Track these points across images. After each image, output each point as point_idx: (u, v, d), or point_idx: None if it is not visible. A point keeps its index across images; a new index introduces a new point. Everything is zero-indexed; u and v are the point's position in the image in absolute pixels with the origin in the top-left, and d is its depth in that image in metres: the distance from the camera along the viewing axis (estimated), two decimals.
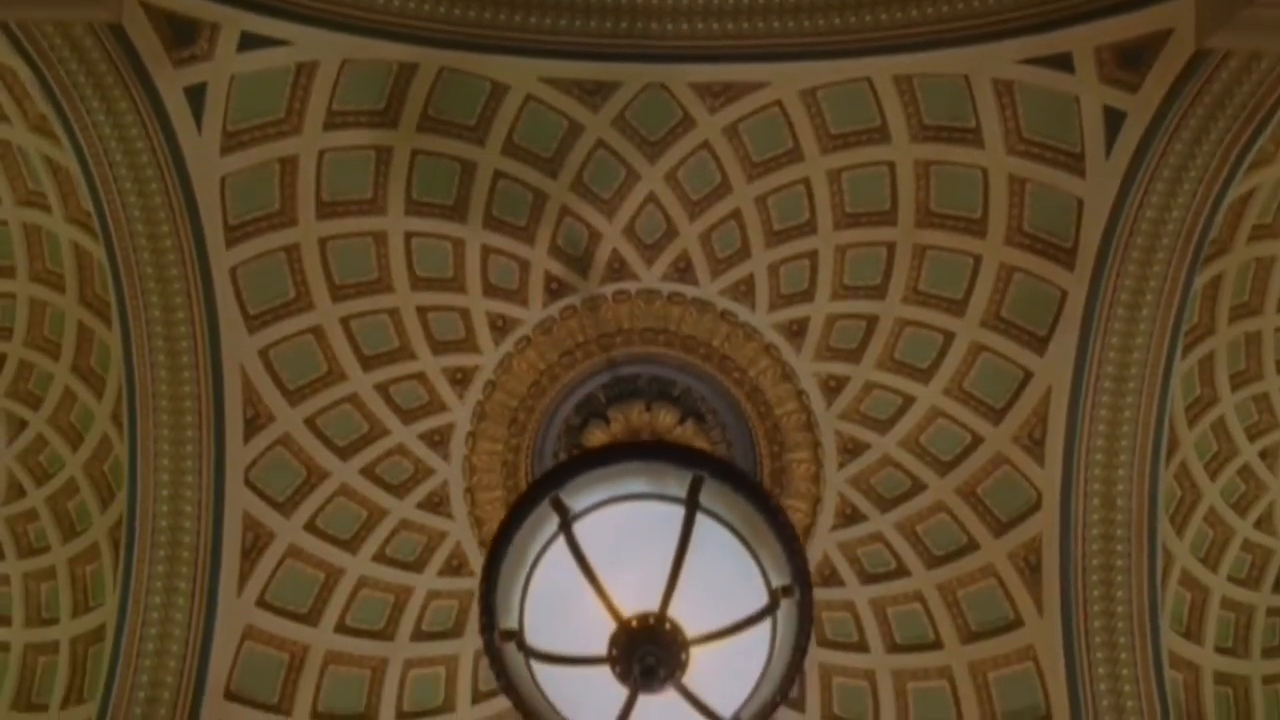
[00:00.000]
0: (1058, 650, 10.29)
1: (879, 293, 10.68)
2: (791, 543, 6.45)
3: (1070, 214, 9.92)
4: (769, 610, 6.36)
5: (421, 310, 10.69)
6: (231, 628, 10.33)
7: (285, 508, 10.61)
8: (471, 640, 11.06)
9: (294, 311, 10.45)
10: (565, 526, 6.37)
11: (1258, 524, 11.21)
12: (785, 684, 6.56)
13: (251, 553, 10.45)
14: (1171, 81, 9.19)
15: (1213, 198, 9.57)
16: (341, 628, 10.74)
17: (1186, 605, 10.90)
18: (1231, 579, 11.14)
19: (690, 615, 6.32)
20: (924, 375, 10.74)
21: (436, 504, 10.96)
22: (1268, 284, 10.76)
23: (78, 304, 10.64)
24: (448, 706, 10.91)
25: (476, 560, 11.05)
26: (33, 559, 11.12)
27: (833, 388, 10.86)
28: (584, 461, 6.53)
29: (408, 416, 10.87)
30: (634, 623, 6.22)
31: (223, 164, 9.75)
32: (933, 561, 10.84)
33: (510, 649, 6.51)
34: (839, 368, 10.78)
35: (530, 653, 6.33)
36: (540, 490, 6.51)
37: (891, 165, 10.25)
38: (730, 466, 6.51)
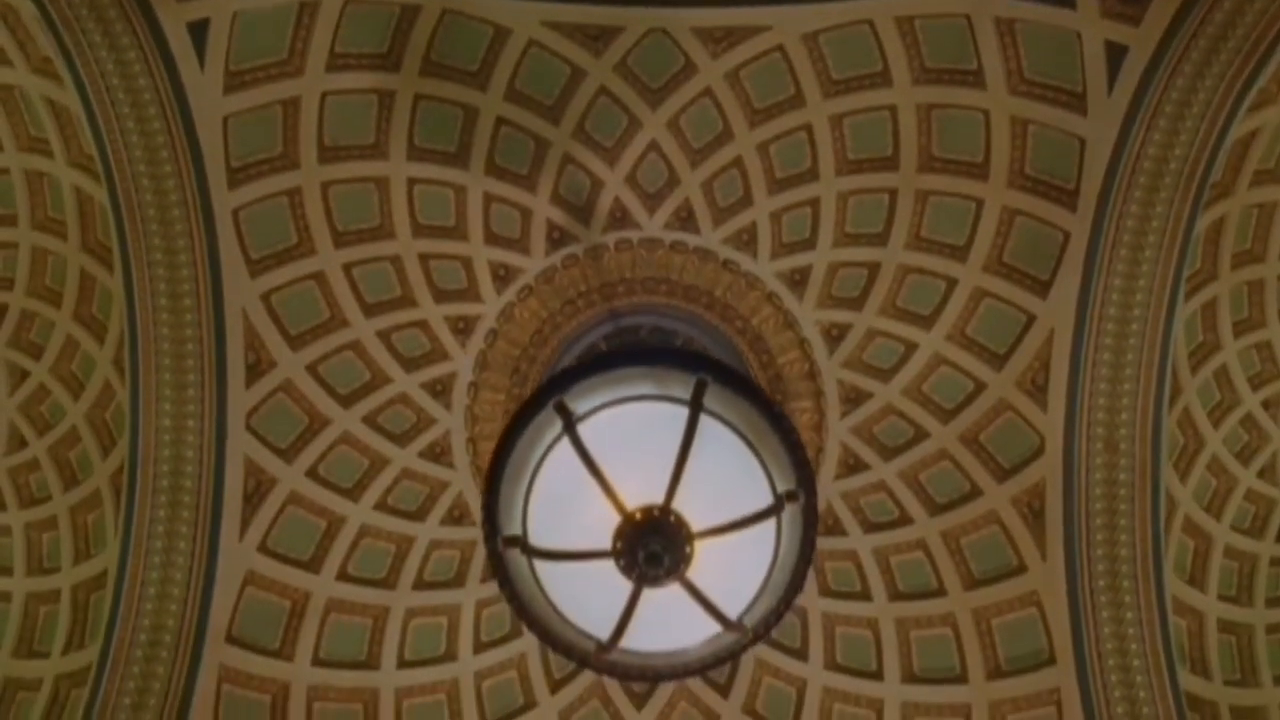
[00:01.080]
0: (1061, 595, 10.25)
1: (881, 239, 10.67)
2: (796, 448, 6.42)
3: (1072, 155, 9.90)
4: (774, 510, 6.32)
5: (424, 258, 10.67)
6: (233, 573, 10.29)
7: (287, 454, 10.56)
8: (473, 590, 11.03)
9: (296, 256, 10.45)
10: (569, 427, 6.34)
11: (1261, 474, 11.19)
12: (790, 591, 6.51)
13: (253, 498, 10.42)
14: (1173, 13, 9.20)
15: (1215, 135, 9.57)
16: (343, 575, 10.69)
17: (1190, 553, 10.87)
18: (1235, 528, 11.12)
19: (694, 510, 6.29)
20: (926, 322, 10.72)
21: (438, 454, 10.92)
22: (1270, 231, 10.73)
23: (79, 250, 10.63)
24: (449, 655, 10.88)
25: (479, 510, 10.93)
26: (34, 509, 11.09)
27: (835, 336, 10.83)
28: (588, 367, 6.51)
29: (410, 365, 10.84)
30: (638, 515, 6.20)
31: (225, 103, 9.75)
32: (935, 509, 10.80)
33: (513, 555, 6.46)
34: (841, 315, 10.77)
35: (534, 552, 6.29)
36: (544, 395, 6.47)
37: (893, 109, 10.24)
38: (735, 371, 6.47)
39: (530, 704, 10.89)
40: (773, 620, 6.50)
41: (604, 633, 6.27)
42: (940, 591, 10.70)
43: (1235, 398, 11.00)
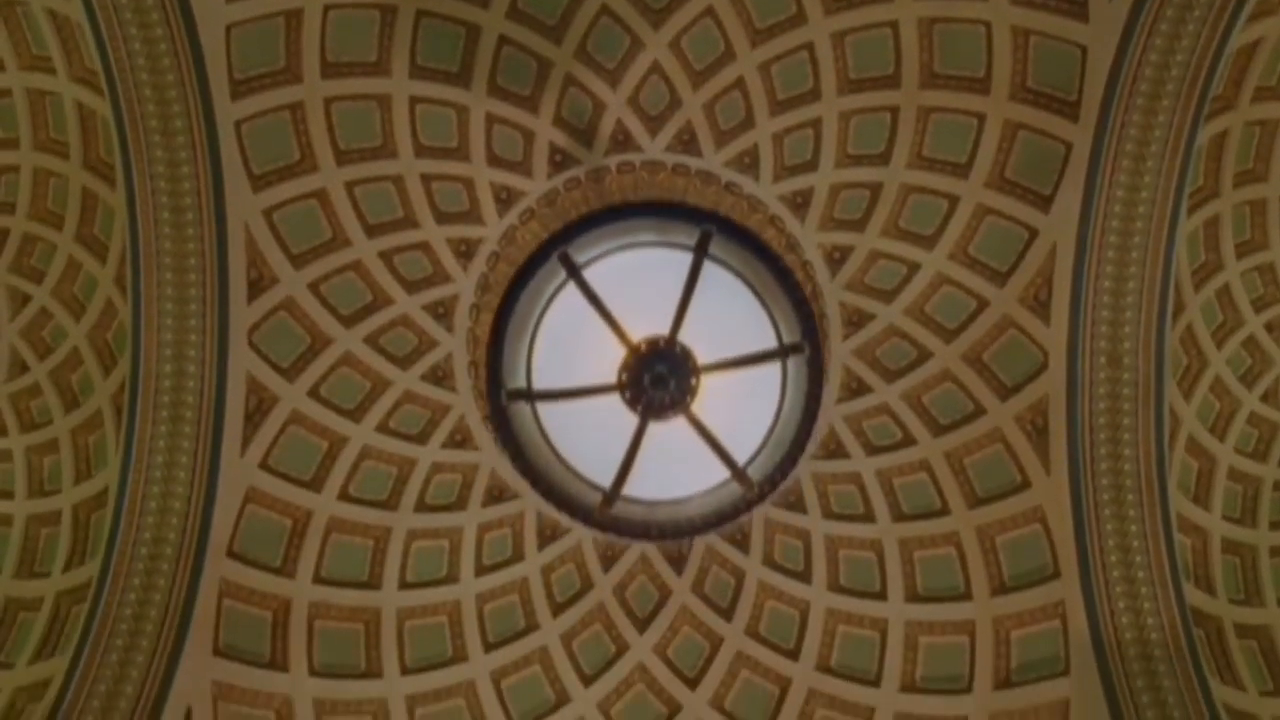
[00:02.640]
0: (1065, 510, 10.23)
1: (883, 159, 10.68)
2: (801, 302, 6.37)
3: (1074, 65, 9.92)
4: (780, 354, 6.28)
5: (426, 179, 10.67)
6: (234, 488, 10.27)
7: (289, 373, 10.56)
8: (475, 514, 11.00)
9: (298, 173, 10.48)
10: (574, 271, 6.30)
11: (1264, 398, 11.17)
12: (795, 447, 6.46)
13: (255, 416, 10.40)
14: None
15: (1216, 42, 9.61)
16: (344, 496, 10.68)
17: (1194, 474, 10.84)
18: (1239, 451, 11.01)
19: (700, 347, 6.24)
20: (928, 241, 10.72)
21: (440, 377, 10.91)
22: (1272, 151, 10.75)
23: (81, 169, 10.63)
24: (451, 578, 10.82)
25: (480, 435, 10.96)
26: (35, 433, 11.05)
27: (837, 259, 10.83)
28: (591, 219, 6.46)
29: (412, 287, 10.85)
30: (643, 346, 6.14)
31: (229, 11, 9.79)
32: (939, 430, 10.78)
33: (517, 408, 6.42)
34: (843, 237, 10.76)
35: (539, 396, 6.25)
36: (548, 246, 6.43)
37: (895, 25, 10.27)
38: (740, 225, 6.42)
39: (532, 626, 10.78)
40: (777, 477, 6.44)
41: (609, 480, 6.18)
42: (944, 511, 10.66)
43: (1238, 319, 10.98)
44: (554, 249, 6.25)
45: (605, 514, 6.44)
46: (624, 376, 5.92)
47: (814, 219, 10.77)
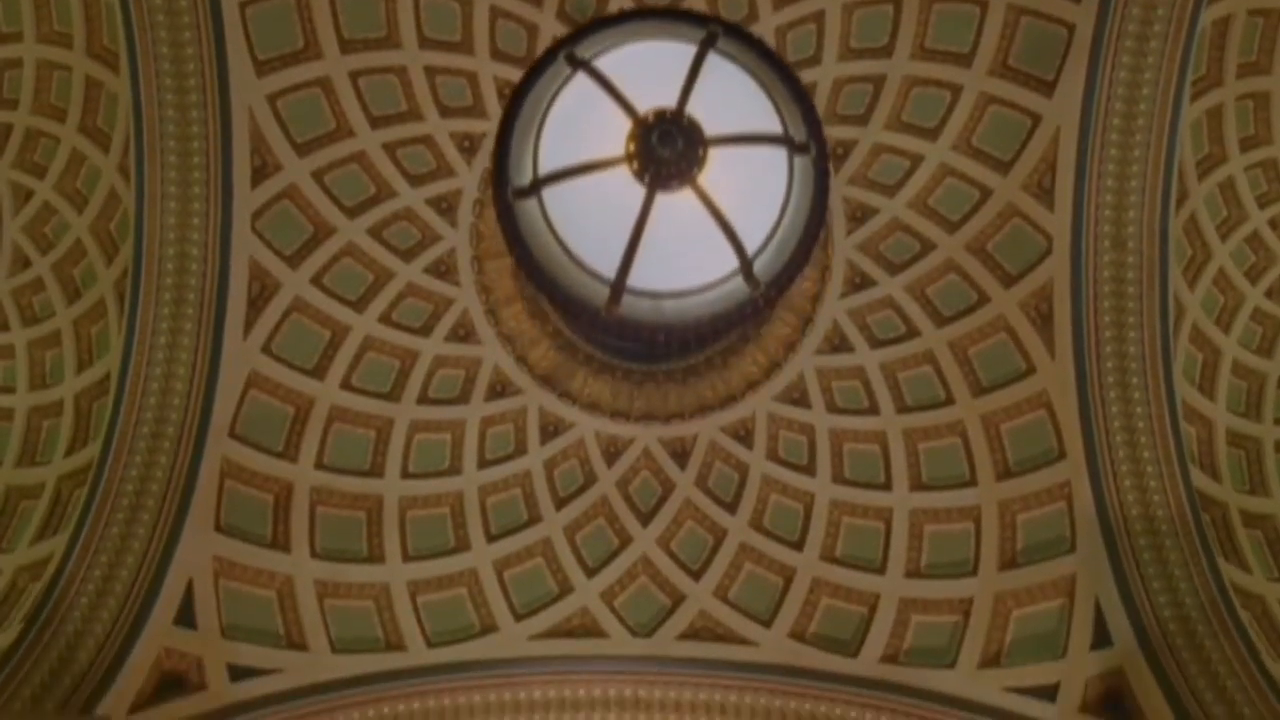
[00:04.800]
0: (1070, 393, 10.22)
1: (886, 52, 10.71)
2: (807, 105, 6.37)
3: None
4: (786, 142, 6.27)
5: (430, 71, 10.70)
6: (237, 372, 10.28)
7: (292, 261, 10.58)
8: (478, 408, 10.95)
9: (302, 60, 10.44)
10: (581, 64, 6.29)
11: (1268, 294, 11.10)
12: (801, 249, 6.44)
13: (258, 301, 10.43)
14: None
15: None
16: (347, 385, 10.64)
17: (1199, 365, 10.85)
18: (1243, 346, 10.98)
19: (708, 122, 6.22)
20: (932, 134, 10.75)
21: (444, 271, 10.91)
22: (1275, 41, 10.71)
23: (85, 57, 10.65)
24: (453, 470, 10.75)
25: (483, 328, 10.95)
26: (37, 327, 10.99)
27: (840, 155, 10.84)
28: (598, 22, 6.47)
29: (415, 181, 10.88)
30: (651, 116, 6.12)
31: None
32: (943, 321, 10.80)
33: (524, 206, 6.41)
34: (846, 132, 10.77)
35: (546, 180, 6.23)
36: (556, 47, 6.43)
37: None
38: (746, 31, 6.43)
39: (535, 519, 10.75)
40: (783, 280, 6.40)
41: (615, 269, 6.15)
42: (948, 401, 10.66)
43: (1242, 214, 11.00)
44: (563, 47, 6.17)
45: (613, 312, 6.36)
46: (631, 147, 5.85)
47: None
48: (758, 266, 6.47)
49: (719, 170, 6.13)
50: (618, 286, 6.16)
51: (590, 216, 6.21)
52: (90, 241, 10.79)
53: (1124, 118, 10.16)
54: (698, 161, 5.97)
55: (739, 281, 6.56)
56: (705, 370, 11.07)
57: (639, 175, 5.96)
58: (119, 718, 8.67)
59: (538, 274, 6.37)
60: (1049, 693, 9.51)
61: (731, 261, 6.39)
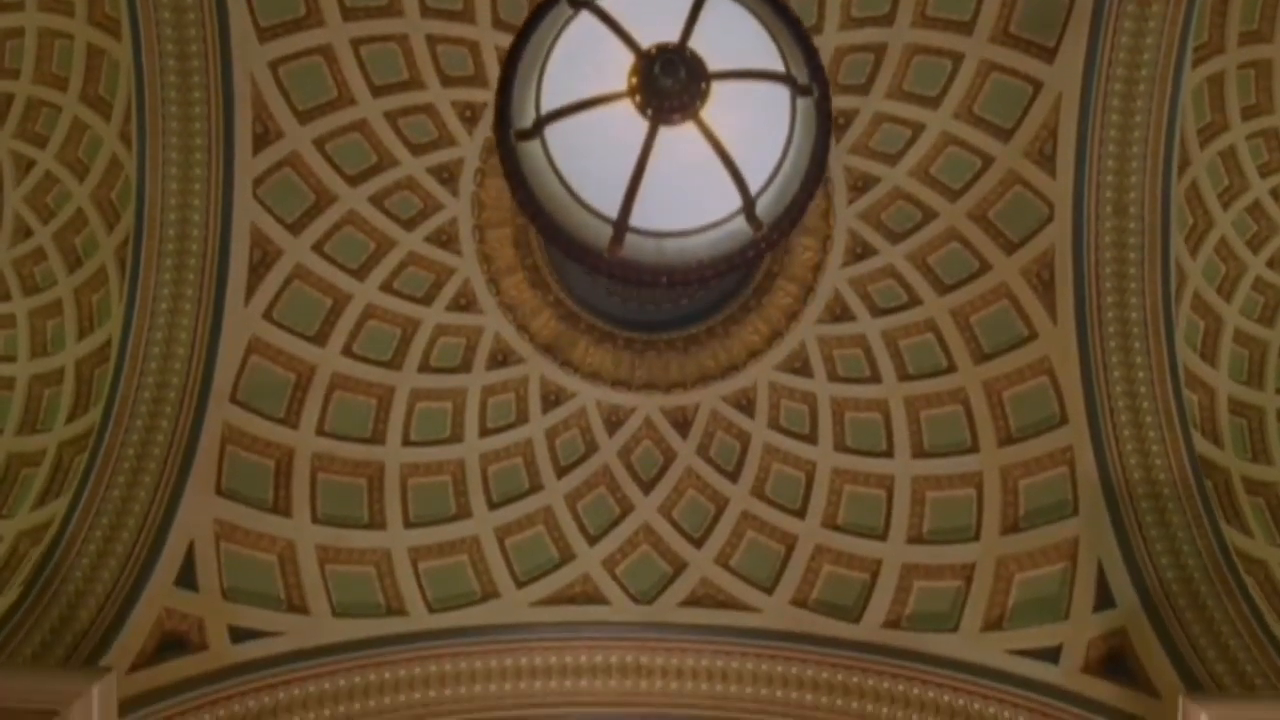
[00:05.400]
0: (1072, 358, 10.20)
1: (888, 20, 10.75)
2: (810, 49, 6.37)
3: None
4: (789, 80, 6.27)
5: (431, 40, 10.73)
6: (238, 337, 10.28)
7: (294, 228, 10.55)
8: (479, 377, 10.94)
9: (304, 27, 10.46)
10: (583, 3, 6.30)
11: (1270, 263, 11.09)
12: (804, 191, 6.45)
13: (259, 268, 10.45)
14: None
15: None
16: (348, 353, 10.63)
17: (1200, 332, 10.86)
18: (1245, 315, 10.98)
19: (711, 57, 6.22)
20: (933, 102, 10.76)
21: (445, 241, 10.92)
22: (1277, 10, 10.71)
23: (87, 25, 10.66)
24: (455, 438, 10.74)
25: (485, 298, 10.96)
26: (38, 296, 10.98)
27: (841, 124, 10.86)
28: None
29: (417, 150, 10.86)
30: (653, 50, 6.13)
31: None
32: (944, 289, 10.81)
33: (526, 147, 6.41)
34: (848, 102, 10.78)
35: (548, 118, 6.23)
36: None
37: None
38: None
39: (536, 487, 10.75)
40: (785, 225, 6.40)
41: (618, 209, 6.16)
42: (950, 369, 10.68)
43: (1244, 183, 11.01)
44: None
45: (615, 253, 6.36)
46: (633, 81, 5.85)
47: None
48: (759, 212, 6.42)
49: (721, 112, 6.12)
50: (621, 223, 6.14)
51: (593, 156, 6.22)
52: (91, 210, 10.80)
53: (1125, 83, 10.15)
54: (700, 95, 5.95)
55: (741, 223, 6.52)
56: (706, 340, 11.07)
57: (641, 109, 5.93)
58: (121, 673, 8.54)
59: (541, 218, 6.33)
60: (1052, 654, 9.51)
61: (734, 202, 6.35)
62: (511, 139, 6.29)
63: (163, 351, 10.00)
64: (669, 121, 5.96)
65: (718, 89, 6.01)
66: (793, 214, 6.35)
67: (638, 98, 6.01)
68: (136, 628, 8.95)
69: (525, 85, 6.35)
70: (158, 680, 8.89)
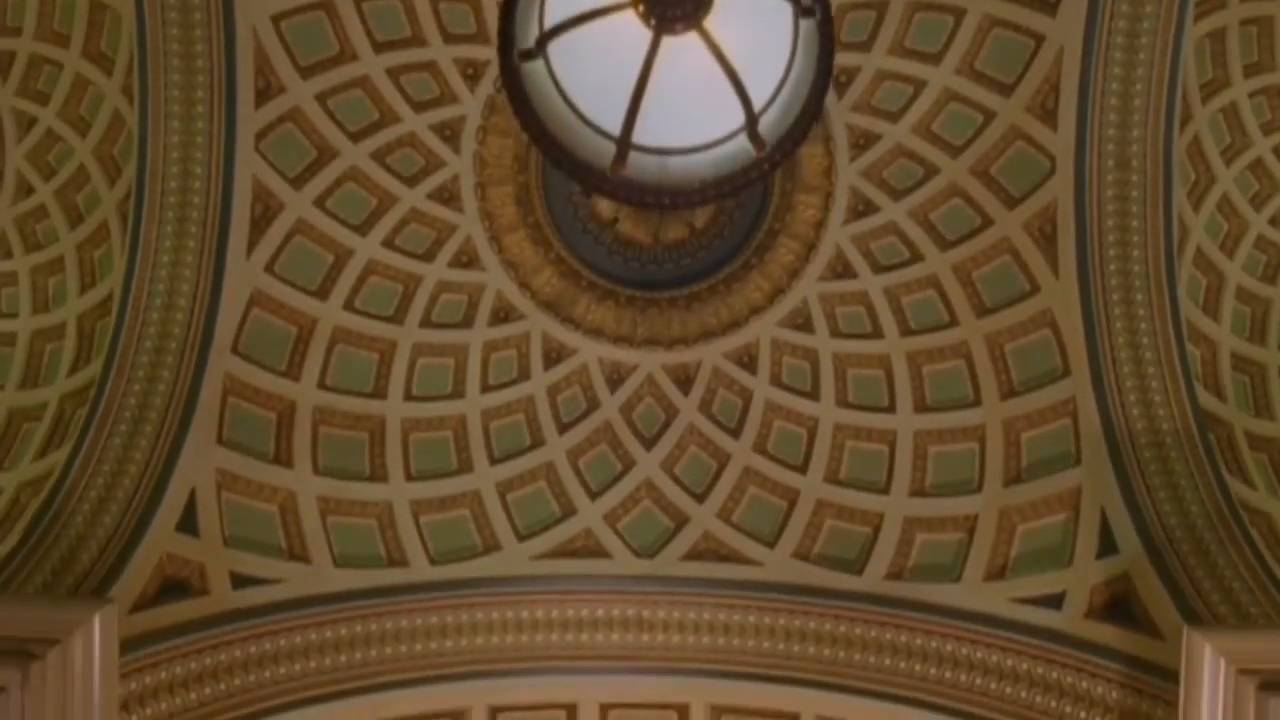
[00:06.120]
0: (1075, 310, 10.21)
1: None
2: None
3: None
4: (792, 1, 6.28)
5: None
6: (239, 289, 10.28)
7: (296, 182, 10.53)
8: (481, 333, 10.96)
9: None
10: None
11: (1273, 221, 11.08)
12: (808, 111, 6.44)
13: (261, 222, 10.44)
14: None
15: None
16: (350, 307, 10.59)
17: (1202, 288, 10.85)
18: (1247, 272, 10.96)
19: None
20: (935, 59, 10.77)
21: (447, 198, 10.92)
22: None
23: None
24: (456, 393, 10.73)
25: (487, 255, 10.96)
26: (40, 253, 10.97)
27: (844, 82, 10.86)
28: None
29: (419, 107, 10.83)
30: None
31: None
32: (946, 245, 10.79)
33: (530, 67, 6.42)
34: (850, 59, 10.78)
35: (550, 33, 6.23)
36: None
37: None
38: None
39: (538, 443, 10.74)
40: (788, 145, 6.40)
41: (620, 124, 6.16)
42: (952, 323, 10.64)
43: (1246, 141, 11.02)
44: None
45: (619, 173, 6.36)
46: None
47: None
48: (762, 133, 6.42)
49: (723, 24, 6.12)
50: (624, 138, 6.14)
51: (596, 70, 6.21)
52: (94, 165, 10.81)
53: (1127, 35, 10.15)
54: (704, 4, 5.93)
55: (744, 144, 6.52)
56: (708, 297, 11.09)
57: (645, 19, 5.93)
58: (122, 612, 8.53)
59: (545, 139, 6.34)
60: (1055, 601, 9.49)
61: (737, 120, 6.35)
62: (515, 60, 6.26)
63: (164, 303, 9.99)
64: (672, 31, 5.96)
65: (720, 3, 5.98)
66: (795, 135, 6.36)
67: (641, 7, 5.98)
68: (137, 571, 8.93)
69: (529, 5, 6.32)
70: (159, 621, 8.90)
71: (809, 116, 6.37)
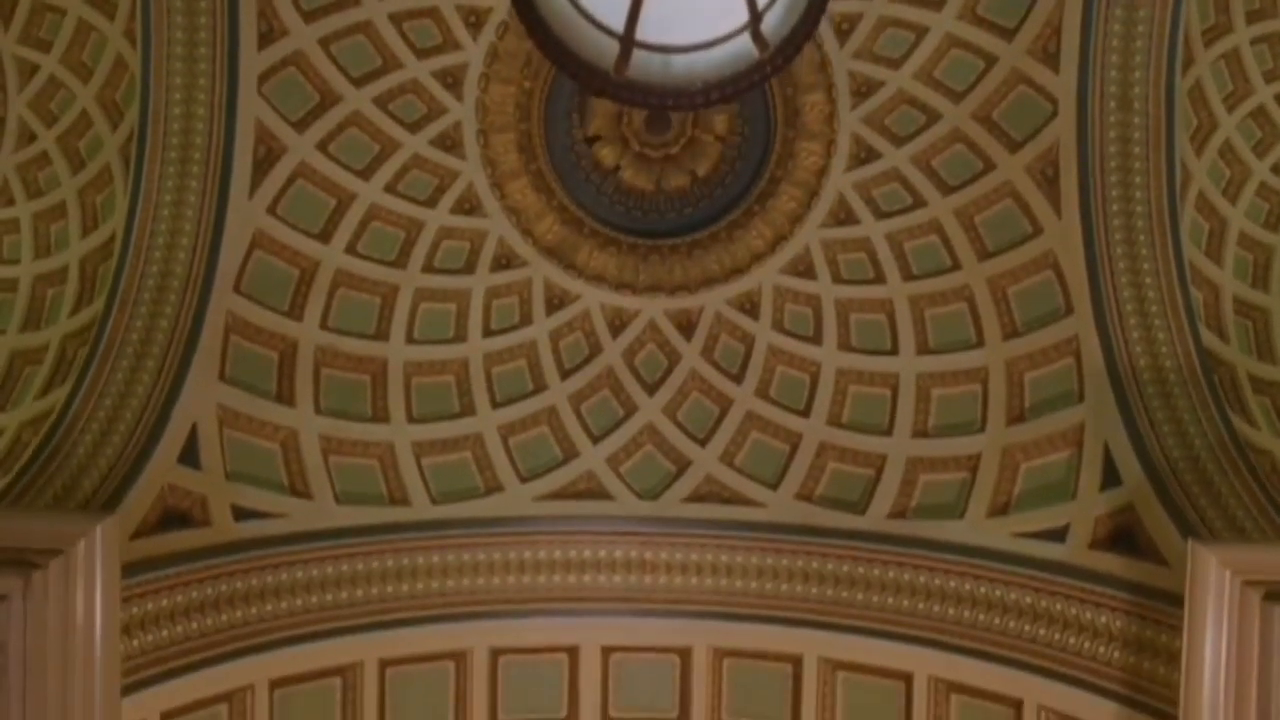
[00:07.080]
0: (1077, 251, 10.21)
1: None
2: None
3: None
4: None
5: None
6: (242, 229, 10.28)
7: (299, 125, 10.53)
8: (483, 279, 10.99)
9: None
10: None
11: (1275, 169, 11.07)
12: (809, 17, 6.45)
13: (263, 164, 10.45)
14: None
15: None
16: (352, 251, 10.58)
17: (1205, 233, 10.85)
18: (1250, 219, 10.96)
19: None
20: (936, 4, 10.79)
21: (449, 146, 10.94)
22: None
23: None
24: (458, 338, 10.72)
25: (489, 202, 10.97)
26: (42, 199, 10.96)
27: (845, 30, 10.87)
28: None
29: (422, 54, 10.88)
30: None
31: None
32: (949, 190, 10.79)
33: None
34: (852, 6, 10.81)
35: None
36: None
37: None
38: None
39: (540, 388, 10.75)
40: (790, 48, 6.40)
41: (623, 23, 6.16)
42: (954, 267, 10.65)
43: (1249, 88, 11.02)
44: None
45: (622, 73, 6.36)
46: None
47: None
48: (765, 35, 6.42)
49: None
50: (628, 35, 6.13)
51: None
52: (96, 111, 10.82)
53: None
54: None
55: (747, 45, 6.51)
56: (710, 244, 11.08)
57: None
58: (124, 537, 8.51)
59: (548, 38, 6.33)
60: (1058, 534, 9.48)
61: (740, 18, 6.35)
62: None
63: (167, 242, 9.98)
64: None
65: None
66: (798, 38, 6.32)
67: None
68: (139, 500, 8.91)
69: None
70: (160, 549, 8.88)
71: (812, 19, 6.33)
